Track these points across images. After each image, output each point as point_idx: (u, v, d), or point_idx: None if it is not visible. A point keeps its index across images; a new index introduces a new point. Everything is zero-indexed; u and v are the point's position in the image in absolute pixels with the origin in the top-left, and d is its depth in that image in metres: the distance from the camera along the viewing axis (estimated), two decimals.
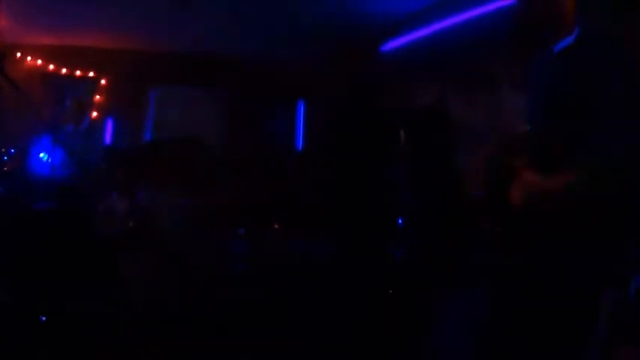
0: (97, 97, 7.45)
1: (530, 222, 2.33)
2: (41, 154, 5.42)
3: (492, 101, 5.00)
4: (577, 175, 2.19)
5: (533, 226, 2.32)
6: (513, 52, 4.58)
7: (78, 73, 7.45)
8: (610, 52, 2.27)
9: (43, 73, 7.26)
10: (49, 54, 7.24)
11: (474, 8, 5.12)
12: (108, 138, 7.47)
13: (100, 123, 7.37)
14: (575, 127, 2.24)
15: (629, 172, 2.17)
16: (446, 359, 3.31)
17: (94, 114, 7.32)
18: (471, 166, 4.16)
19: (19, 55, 7.08)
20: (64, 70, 7.37)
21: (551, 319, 2.23)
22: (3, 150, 5.60)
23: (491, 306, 2.54)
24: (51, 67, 7.30)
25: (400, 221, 5.22)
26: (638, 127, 2.17)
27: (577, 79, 2.29)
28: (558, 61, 2.41)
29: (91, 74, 7.48)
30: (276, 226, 5.89)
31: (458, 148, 5.15)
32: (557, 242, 2.25)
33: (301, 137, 8.31)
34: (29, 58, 7.17)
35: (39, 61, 7.22)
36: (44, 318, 3.97)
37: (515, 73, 4.67)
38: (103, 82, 7.52)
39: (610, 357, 2.22)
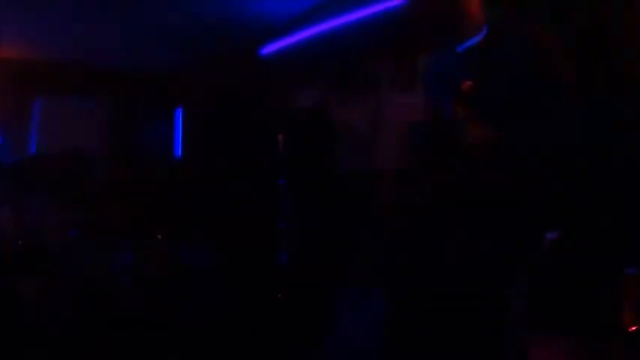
0: None
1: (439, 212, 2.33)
2: None
3: (376, 103, 5.10)
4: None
5: (443, 216, 2.31)
6: (399, 53, 4.76)
7: None
8: (514, 51, 2.26)
9: None
10: None
11: (358, 10, 5.18)
12: None
13: None
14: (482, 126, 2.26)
15: (535, 167, 2.20)
16: None
17: None
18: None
19: None
20: None
21: (460, 315, 2.20)
22: None
23: (390, 306, 2.50)
24: None
25: (283, 225, 5.32)
26: (543, 123, 2.20)
27: (481, 78, 2.29)
28: (461, 60, 2.38)
29: None
30: (159, 237, 5.81)
31: (339, 150, 5.29)
32: (464, 238, 2.25)
33: (180, 145, 8.21)
34: None
35: None
36: None
37: (400, 74, 4.85)
38: None
39: (523, 350, 2.28)
